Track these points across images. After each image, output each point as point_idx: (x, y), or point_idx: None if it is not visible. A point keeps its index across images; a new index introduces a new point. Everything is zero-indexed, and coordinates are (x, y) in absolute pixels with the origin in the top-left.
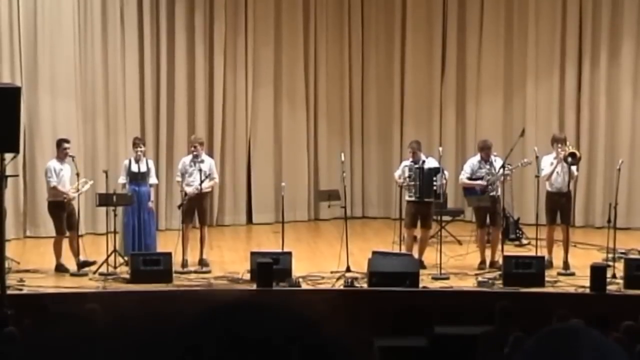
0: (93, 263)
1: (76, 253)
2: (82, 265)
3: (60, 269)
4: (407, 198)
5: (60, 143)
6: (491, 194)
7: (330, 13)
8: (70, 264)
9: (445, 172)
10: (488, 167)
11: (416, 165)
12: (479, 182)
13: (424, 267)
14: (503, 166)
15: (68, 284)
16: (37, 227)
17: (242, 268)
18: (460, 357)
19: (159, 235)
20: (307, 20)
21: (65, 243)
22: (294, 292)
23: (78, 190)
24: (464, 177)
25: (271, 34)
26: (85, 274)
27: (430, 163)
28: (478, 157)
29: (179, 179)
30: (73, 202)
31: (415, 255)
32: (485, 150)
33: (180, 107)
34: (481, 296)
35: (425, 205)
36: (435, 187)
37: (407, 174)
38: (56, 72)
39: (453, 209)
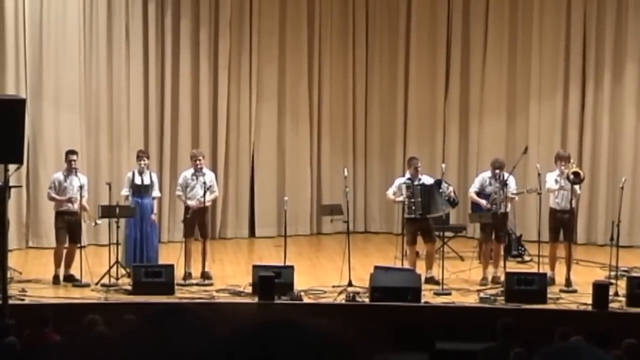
0: (76, 280)
1: (68, 265)
2: (68, 278)
3: (55, 281)
4: (406, 216)
5: (66, 155)
6: (500, 211)
7: (334, 30)
8: (75, 272)
9: (446, 183)
10: (498, 185)
11: (416, 183)
12: (483, 202)
13: (436, 283)
14: (506, 183)
15: (69, 295)
16: (40, 238)
17: (244, 281)
18: None
19: (161, 248)
20: (311, 37)
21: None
22: (296, 306)
23: (83, 208)
24: (472, 190)
25: (275, 50)
26: (87, 285)
27: (425, 180)
28: (489, 172)
29: (180, 192)
30: (76, 212)
31: (418, 271)
32: (495, 169)
33: (184, 121)
34: (483, 312)
35: (425, 220)
36: (445, 196)
37: (404, 192)
38: (61, 85)
39: (455, 225)
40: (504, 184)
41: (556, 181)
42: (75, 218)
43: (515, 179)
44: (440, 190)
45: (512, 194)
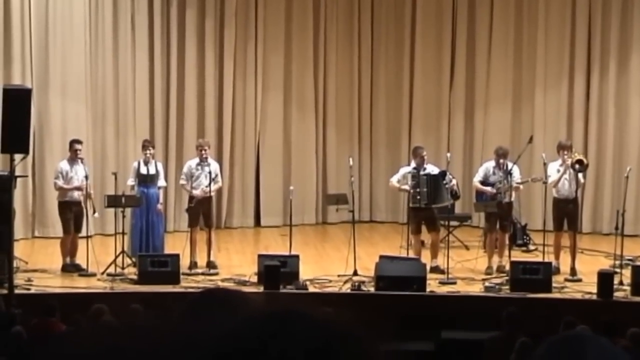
0: (83, 269)
1: (72, 254)
2: (73, 266)
3: (66, 269)
4: (411, 205)
5: (71, 144)
6: (504, 200)
7: (340, 20)
8: (81, 262)
9: (450, 175)
10: (502, 174)
11: (422, 172)
12: (489, 188)
13: (441, 272)
14: (510, 173)
15: (76, 284)
16: (46, 228)
17: (249, 270)
18: None
19: (167, 237)
20: (317, 27)
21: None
22: (301, 295)
23: (88, 196)
24: (476, 180)
25: (281, 40)
26: (93, 274)
27: (430, 170)
28: (493, 162)
29: (184, 182)
30: (81, 201)
31: (424, 260)
32: (499, 157)
33: (190, 111)
34: (488, 301)
35: (429, 210)
36: (447, 188)
37: (410, 181)
38: (67, 75)
39: (460, 214)
40: (509, 173)
41: (558, 171)
42: (79, 208)
43: (520, 169)
44: (444, 182)
45: (517, 183)
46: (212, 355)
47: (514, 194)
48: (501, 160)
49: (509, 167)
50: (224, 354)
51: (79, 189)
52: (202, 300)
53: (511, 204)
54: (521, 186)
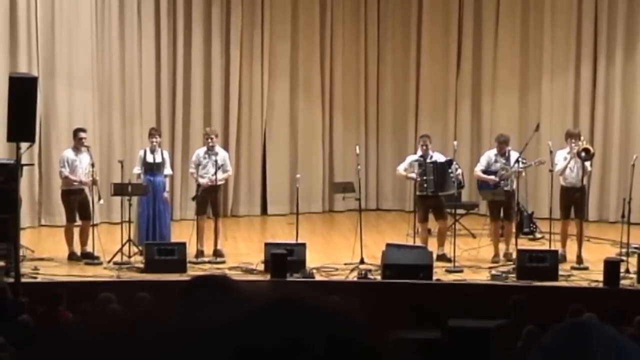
0: (96, 258)
1: (84, 242)
2: (85, 256)
3: (72, 257)
4: (418, 193)
5: (76, 132)
6: (506, 188)
7: (346, 6)
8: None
9: (456, 164)
10: (504, 161)
11: (428, 160)
12: (491, 177)
13: (448, 260)
14: (517, 161)
15: (82, 273)
16: (52, 216)
17: (256, 259)
18: (474, 350)
19: (174, 226)
20: (323, 13)
21: (77, 231)
22: (307, 284)
23: (94, 182)
24: (478, 169)
25: (287, 27)
26: (100, 263)
27: (437, 158)
28: (495, 150)
29: (193, 170)
30: (87, 191)
31: (430, 248)
32: (500, 144)
33: (196, 98)
34: (495, 289)
35: (436, 198)
36: (452, 178)
37: (416, 169)
38: (73, 63)
39: (467, 202)
40: (516, 161)
41: (565, 158)
42: (84, 196)
43: (527, 156)
44: (450, 171)
45: (521, 167)
46: (231, 345)
47: (516, 180)
48: (508, 148)
49: (517, 156)
50: (243, 344)
51: (83, 183)
52: (195, 288)
53: (513, 192)
54: (523, 172)
